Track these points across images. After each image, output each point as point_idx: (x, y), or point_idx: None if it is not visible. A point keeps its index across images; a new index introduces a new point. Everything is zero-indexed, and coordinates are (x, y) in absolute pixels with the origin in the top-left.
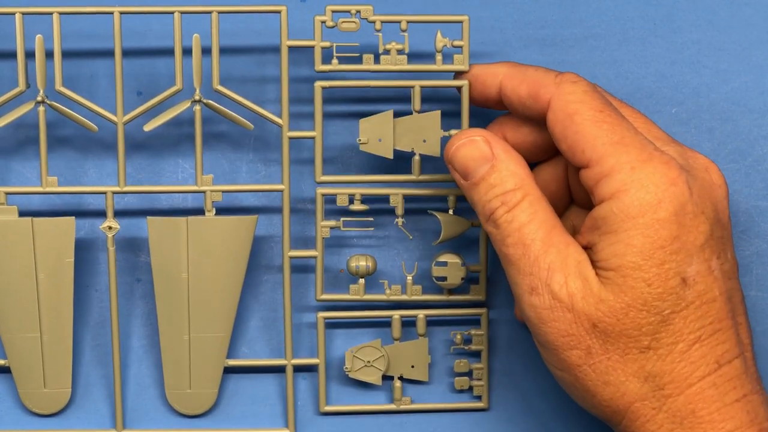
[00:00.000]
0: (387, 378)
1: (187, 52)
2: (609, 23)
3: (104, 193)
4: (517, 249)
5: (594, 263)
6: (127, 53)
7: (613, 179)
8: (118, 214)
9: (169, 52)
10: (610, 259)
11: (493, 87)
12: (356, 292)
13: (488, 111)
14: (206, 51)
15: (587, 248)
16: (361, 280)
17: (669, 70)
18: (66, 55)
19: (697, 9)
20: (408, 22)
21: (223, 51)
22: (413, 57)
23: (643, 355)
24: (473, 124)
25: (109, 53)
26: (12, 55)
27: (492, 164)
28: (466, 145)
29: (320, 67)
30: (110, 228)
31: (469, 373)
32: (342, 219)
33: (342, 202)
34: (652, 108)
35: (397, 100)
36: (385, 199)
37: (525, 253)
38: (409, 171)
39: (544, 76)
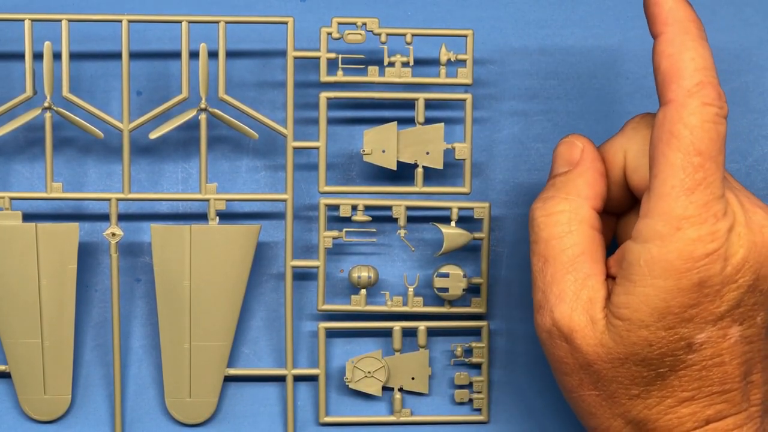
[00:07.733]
0: (387, 389)
1: (190, 56)
2: (609, 23)
3: (109, 200)
4: (538, 261)
5: (609, 301)
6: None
7: (654, 227)
8: (119, 216)
9: (168, 53)
10: (621, 308)
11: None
12: (358, 302)
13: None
14: (211, 54)
15: (613, 277)
16: (363, 291)
17: None
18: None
19: (698, 9)
20: (413, 35)
21: (227, 54)
22: (418, 63)
23: (631, 401)
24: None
25: (109, 55)
26: (18, 58)
27: (569, 170)
28: (565, 143)
29: (325, 78)
30: (114, 235)
31: (469, 386)
32: (345, 229)
33: (345, 212)
34: (653, 108)
35: (401, 107)
36: (388, 208)
37: (543, 269)
38: (411, 178)
39: (679, 80)
